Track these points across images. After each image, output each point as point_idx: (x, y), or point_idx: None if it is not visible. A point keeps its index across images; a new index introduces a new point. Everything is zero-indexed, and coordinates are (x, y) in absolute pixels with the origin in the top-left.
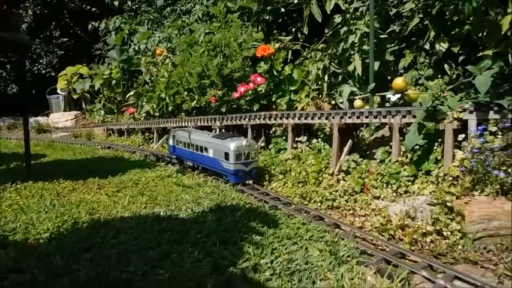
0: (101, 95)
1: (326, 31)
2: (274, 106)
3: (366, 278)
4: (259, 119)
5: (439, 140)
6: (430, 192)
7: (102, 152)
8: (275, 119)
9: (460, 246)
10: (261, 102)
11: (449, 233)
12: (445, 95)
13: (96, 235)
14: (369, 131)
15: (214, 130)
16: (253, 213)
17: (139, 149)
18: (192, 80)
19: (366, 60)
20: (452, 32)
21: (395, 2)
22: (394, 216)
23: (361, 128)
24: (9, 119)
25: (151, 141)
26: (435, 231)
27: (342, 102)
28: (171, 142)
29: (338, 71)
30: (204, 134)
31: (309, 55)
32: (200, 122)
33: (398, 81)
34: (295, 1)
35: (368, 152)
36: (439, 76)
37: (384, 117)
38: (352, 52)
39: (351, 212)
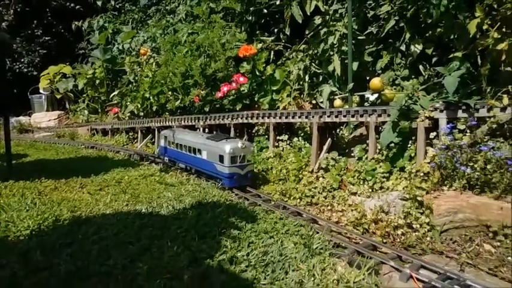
0: (84, 95)
1: (307, 32)
2: (256, 106)
3: (337, 268)
4: (241, 118)
5: (413, 138)
6: (403, 188)
7: (86, 151)
8: (257, 118)
9: (428, 238)
10: (243, 102)
11: (418, 226)
12: (418, 94)
13: (77, 231)
14: (348, 129)
15: (198, 129)
16: (233, 209)
17: (124, 149)
18: (176, 80)
19: (345, 61)
20: (426, 34)
21: (373, 4)
22: (369, 211)
23: (341, 127)
24: None
25: (135, 140)
26: (406, 224)
27: (322, 102)
28: (162, 143)
29: (318, 71)
30: (197, 135)
31: (291, 55)
32: (184, 122)
33: (375, 82)
34: (277, 2)
35: (347, 150)
36: (413, 77)
37: (361, 116)
38: (331, 53)
39: (329, 207)
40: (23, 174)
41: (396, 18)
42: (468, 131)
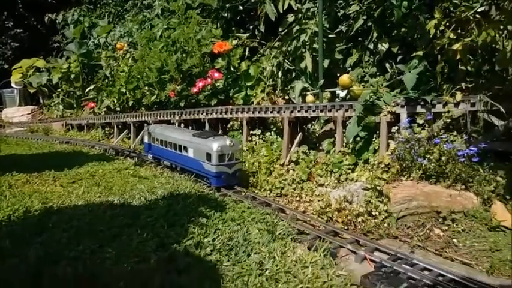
0: (59, 90)
1: (280, 29)
2: (231, 101)
3: (297, 251)
4: (216, 113)
5: (378, 132)
6: (366, 179)
7: (60, 146)
8: (231, 113)
9: (386, 224)
10: (218, 97)
11: (377, 213)
12: (382, 90)
13: (48, 221)
14: (319, 124)
15: (173, 124)
16: (203, 199)
17: (99, 144)
18: (152, 75)
19: (317, 58)
20: (392, 34)
21: (343, 4)
22: (334, 201)
23: (313, 122)
24: None
25: (111, 135)
26: (366, 212)
27: (294, 98)
28: (146, 139)
29: (291, 67)
30: (184, 132)
31: (265, 52)
32: (160, 117)
33: (344, 78)
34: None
35: (317, 144)
36: (378, 74)
37: (329, 111)
38: (303, 50)
39: (297, 198)
40: None
41: (364, 17)
42: (426, 125)
